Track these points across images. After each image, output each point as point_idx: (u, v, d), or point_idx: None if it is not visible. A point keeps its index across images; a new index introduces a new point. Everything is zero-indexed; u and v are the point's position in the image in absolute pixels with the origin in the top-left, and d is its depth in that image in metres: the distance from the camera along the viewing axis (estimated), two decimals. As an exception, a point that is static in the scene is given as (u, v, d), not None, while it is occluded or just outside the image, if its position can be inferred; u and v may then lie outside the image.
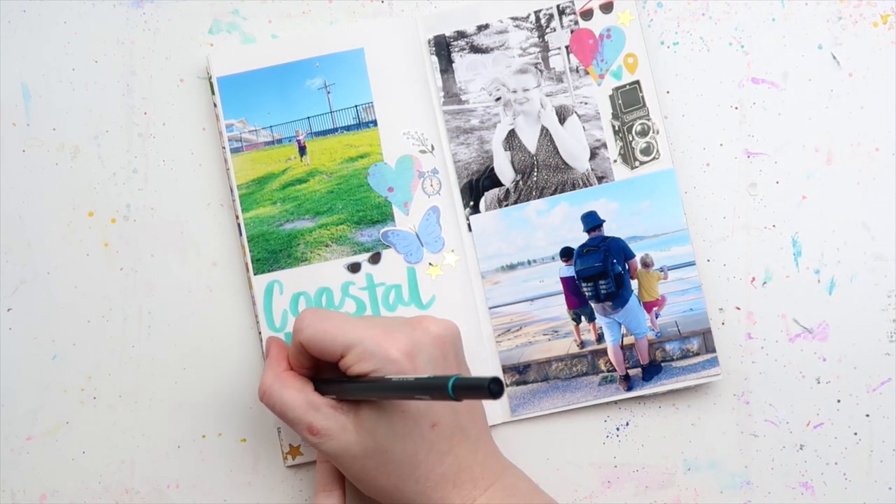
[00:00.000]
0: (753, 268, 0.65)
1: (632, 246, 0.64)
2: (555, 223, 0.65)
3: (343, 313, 0.59)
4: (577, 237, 0.65)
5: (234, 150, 0.65)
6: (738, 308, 0.65)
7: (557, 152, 0.65)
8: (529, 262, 0.65)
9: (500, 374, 0.64)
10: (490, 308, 0.65)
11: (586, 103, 0.64)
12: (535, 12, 0.65)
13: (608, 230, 0.65)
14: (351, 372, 0.55)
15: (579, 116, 0.64)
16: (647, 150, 0.64)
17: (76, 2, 0.67)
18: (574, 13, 0.65)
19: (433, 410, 0.55)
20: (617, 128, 0.64)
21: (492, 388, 0.46)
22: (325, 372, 0.59)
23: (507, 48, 0.65)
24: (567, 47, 0.65)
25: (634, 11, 0.64)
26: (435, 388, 0.49)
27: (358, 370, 0.55)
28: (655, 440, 0.64)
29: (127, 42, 0.66)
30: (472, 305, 0.64)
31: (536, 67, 0.65)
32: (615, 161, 0.64)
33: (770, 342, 0.64)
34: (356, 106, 0.65)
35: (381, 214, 0.65)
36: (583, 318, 0.65)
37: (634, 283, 0.64)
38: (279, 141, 0.65)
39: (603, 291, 0.64)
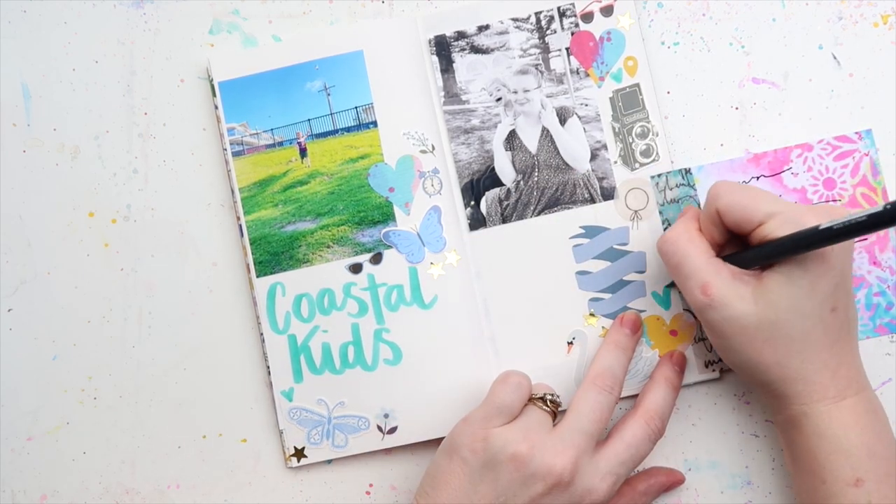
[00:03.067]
0: (753, 268, 0.65)
1: (632, 247, 0.65)
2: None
3: (754, 186, 0.62)
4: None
5: (236, 154, 0.65)
6: (738, 308, 0.65)
7: (558, 153, 0.65)
8: (530, 263, 0.65)
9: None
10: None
11: (586, 105, 0.64)
12: (536, 14, 0.65)
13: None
14: (768, 240, 0.54)
15: (580, 118, 0.64)
16: (646, 153, 0.64)
17: (76, 2, 0.66)
18: (574, 15, 0.64)
19: (837, 295, 0.54)
20: (617, 130, 0.64)
21: None
22: (727, 250, 0.58)
23: (507, 49, 0.65)
24: (567, 49, 0.65)
25: (635, 15, 0.64)
26: (882, 216, 0.47)
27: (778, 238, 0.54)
28: (655, 440, 0.64)
29: (127, 42, 0.66)
30: (473, 305, 0.64)
31: (537, 69, 0.65)
32: (615, 162, 0.64)
33: (770, 342, 0.64)
34: (356, 107, 0.65)
35: (382, 215, 0.65)
36: (583, 318, 0.65)
37: (635, 284, 0.65)
38: (280, 143, 0.65)
39: (603, 292, 0.65)
